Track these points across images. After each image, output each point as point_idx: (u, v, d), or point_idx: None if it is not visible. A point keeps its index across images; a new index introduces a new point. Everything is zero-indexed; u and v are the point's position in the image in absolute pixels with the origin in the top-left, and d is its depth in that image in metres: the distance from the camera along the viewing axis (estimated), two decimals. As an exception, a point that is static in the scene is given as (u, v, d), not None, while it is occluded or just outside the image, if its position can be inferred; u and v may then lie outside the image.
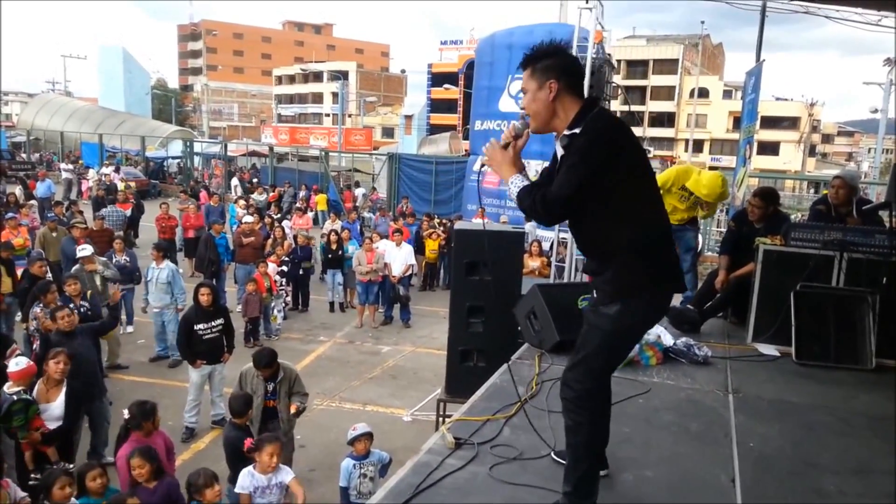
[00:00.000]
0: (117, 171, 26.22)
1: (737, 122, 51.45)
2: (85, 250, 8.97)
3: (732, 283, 5.86)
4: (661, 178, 6.53)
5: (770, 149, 53.13)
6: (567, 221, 2.75)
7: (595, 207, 2.61)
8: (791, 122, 57.03)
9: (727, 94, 59.39)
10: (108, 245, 10.72)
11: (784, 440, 3.72)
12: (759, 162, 45.19)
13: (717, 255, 6.91)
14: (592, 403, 2.75)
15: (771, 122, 51.22)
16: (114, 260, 9.98)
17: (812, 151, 61.80)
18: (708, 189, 6.19)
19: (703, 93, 57.92)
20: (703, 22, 66.97)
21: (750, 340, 5.39)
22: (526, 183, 2.67)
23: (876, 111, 30.80)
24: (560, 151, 2.70)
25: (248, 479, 4.68)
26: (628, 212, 2.63)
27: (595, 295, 2.83)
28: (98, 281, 8.83)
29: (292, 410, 5.88)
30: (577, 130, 2.60)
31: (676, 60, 59.78)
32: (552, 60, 2.67)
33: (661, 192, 6.34)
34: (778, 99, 58.54)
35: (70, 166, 28.23)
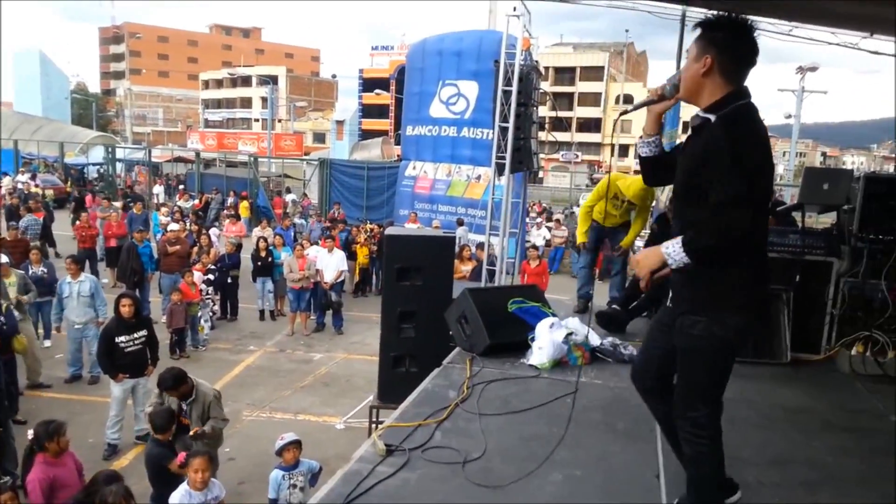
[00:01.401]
0: (34, 178, 25.13)
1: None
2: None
3: (656, 283, 6.01)
4: (597, 188, 6.72)
5: (692, 153, 54.95)
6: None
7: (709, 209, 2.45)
8: (711, 128, 59.08)
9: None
10: (24, 256, 10.23)
11: (706, 435, 3.83)
12: (683, 166, 46.53)
13: (642, 257, 7.08)
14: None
15: (693, 128, 52.96)
16: (30, 271, 9.52)
17: (732, 156, 64.17)
18: (632, 191, 6.35)
19: (629, 99, 59.49)
20: (627, 30, 69.17)
21: (674, 339, 5.54)
22: (648, 151, 2.65)
23: (790, 117, 32.23)
24: (690, 131, 2.60)
25: (185, 498, 4.51)
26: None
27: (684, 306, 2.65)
28: (13, 294, 8.40)
29: (192, 431, 5.57)
30: (711, 117, 2.48)
31: (602, 68, 61.32)
32: (721, 34, 2.47)
33: (598, 200, 6.51)
34: (699, 105, 60.62)
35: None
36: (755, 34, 2.49)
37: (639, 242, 7.40)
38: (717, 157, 2.39)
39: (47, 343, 9.96)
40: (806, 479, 3.35)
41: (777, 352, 5.19)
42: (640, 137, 2.69)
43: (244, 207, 21.36)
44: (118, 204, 18.13)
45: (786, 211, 6.21)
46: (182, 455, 4.87)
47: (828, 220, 6.70)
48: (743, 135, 2.41)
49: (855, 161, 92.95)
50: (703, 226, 2.43)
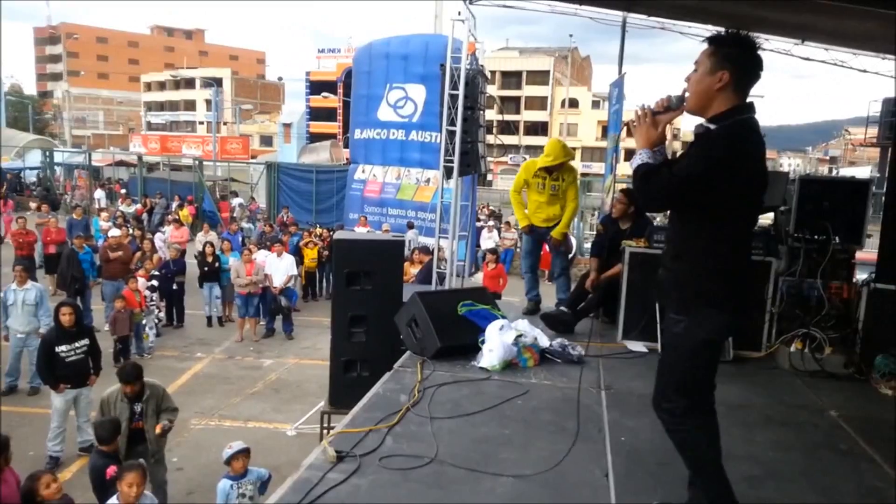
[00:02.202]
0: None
1: (605, 131, 54.03)
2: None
3: (603, 284, 6.12)
4: (517, 179, 6.71)
5: (637, 155, 56.04)
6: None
7: (702, 212, 2.61)
8: (655, 131, 60.35)
9: (595, 105, 62.15)
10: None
11: (653, 432, 3.89)
12: (626, 168, 47.44)
13: (588, 258, 7.17)
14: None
15: (637, 131, 53.99)
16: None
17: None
18: (547, 151, 6.38)
19: (574, 103, 60.44)
20: (571, 35, 70.03)
21: (620, 338, 5.65)
22: (654, 161, 2.65)
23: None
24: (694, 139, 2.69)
25: None
26: (728, 224, 2.62)
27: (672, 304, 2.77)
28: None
29: (157, 430, 5.57)
30: (712, 126, 2.60)
31: (548, 72, 62.06)
32: (736, 51, 2.59)
33: (523, 190, 6.54)
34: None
35: None
36: (760, 49, 2.66)
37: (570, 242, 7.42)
38: (700, 150, 2.59)
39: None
40: (749, 474, 3.44)
41: (719, 349, 5.33)
42: (642, 149, 2.73)
43: (185, 213, 20.85)
44: (34, 205, 17.54)
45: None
46: (112, 468, 4.75)
47: (765, 220, 6.92)
48: (738, 148, 2.55)
49: (791, 163, 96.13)
50: (658, 179, 2.60)
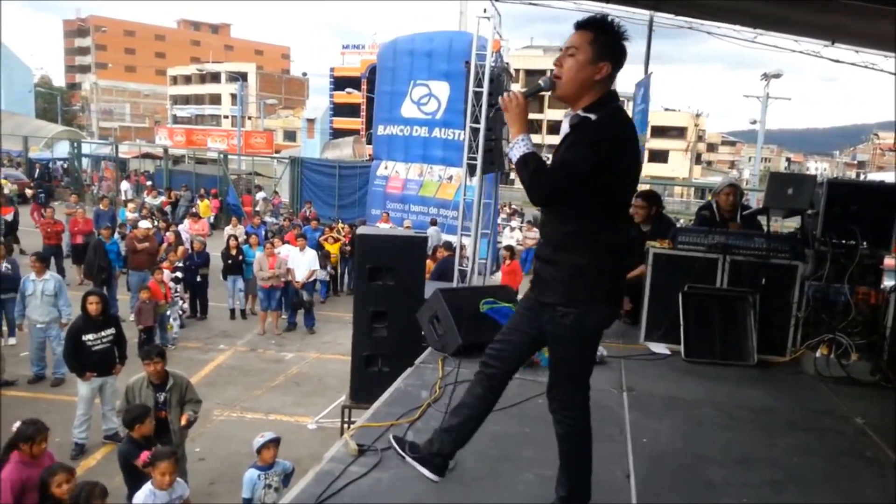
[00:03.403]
0: (-4, 172, 24.58)
1: (630, 131, 53.69)
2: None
3: (629, 283, 6.09)
4: None
5: (660, 157, 55.73)
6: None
7: (588, 203, 2.56)
8: (679, 132, 59.95)
9: (620, 104, 61.76)
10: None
11: (675, 435, 3.91)
12: (650, 169, 47.36)
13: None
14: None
15: (660, 132, 53.76)
16: (-6, 268, 9.33)
17: (698, 160, 65.22)
18: None
19: (599, 102, 59.99)
20: (597, 34, 69.24)
21: (642, 340, 5.63)
22: (532, 149, 2.54)
23: (755, 122, 32.80)
24: (565, 129, 2.63)
25: (149, 498, 4.45)
26: (611, 215, 2.63)
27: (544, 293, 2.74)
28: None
29: (182, 422, 5.65)
30: (591, 116, 2.55)
31: (573, 70, 61.69)
32: (617, 43, 2.56)
33: None
34: (667, 109, 61.46)
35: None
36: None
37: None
38: (583, 139, 2.52)
39: (12, 341, 9.77)
40: (772, 479, 3.43)
41: (744, 354, 5.30)
42: (520, 136, 2.60)
43: (205, 206, 21.04)
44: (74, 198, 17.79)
45: (751, 215, 6.32)
46: (145, 454, 4.81)
47: (792, 223, 6.85)
48: (615, 135, 2.55)
49: (818, 167, 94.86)
50: (553, 171, 2.53)
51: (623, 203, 2.75)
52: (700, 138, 63.67)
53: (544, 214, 2.81)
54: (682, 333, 5.34)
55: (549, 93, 2.66)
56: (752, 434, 4.04)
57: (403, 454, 2.99)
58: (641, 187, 9.09)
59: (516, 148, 2.54)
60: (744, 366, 5.24)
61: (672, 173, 55.57)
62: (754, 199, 18.57)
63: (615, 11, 9.42)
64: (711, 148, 75.45)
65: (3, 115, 37.61)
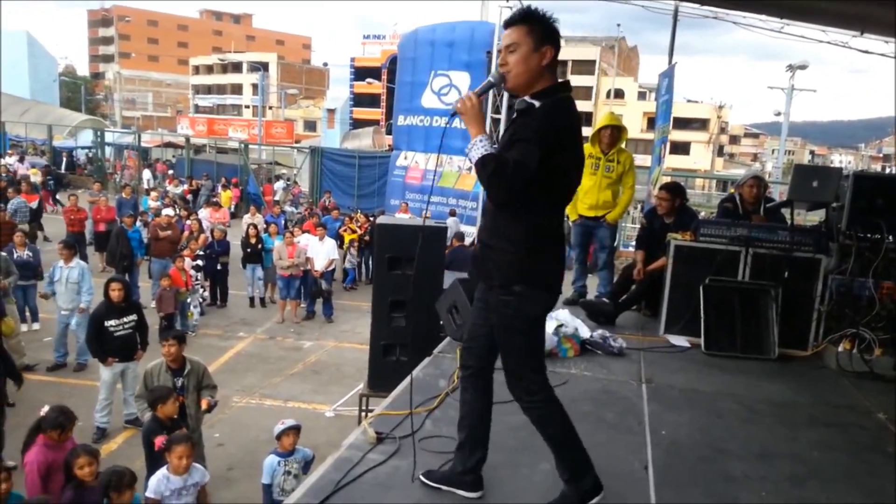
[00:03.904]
0: (22, 160, 24.90)
1: (651, 123, 53.12)
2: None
3: (646, 276, 6.06)
4: None
5: (682, 148, 55.18)
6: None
7: (529, 190, 2.57)
8: (701, 124, 59.33)
9: (642, 96, 61.24)
10: (11, 239, 10.14)
11: (694, 427, 3.88)
12: (672, 161, 46.90)
13: (632, 251, 7.09)
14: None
15: (682, 123, 53.21)
16: (15, 255, 9.45)
17: (720, 152, 64.57)
18: (600, 124, 6.33)
19: (619, 93, 59.59)
20: (618, 24, 69.10)
21: (662, 332, 5.59)
22: (491, 150, 2.55)
23: (779, 114, 32.38)
24: (513, 114, 2.68)
25: (162, 483, 4.50)
26: (551, 201, 2.65)
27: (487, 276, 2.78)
28: (-3, 275, 8.36)
29: (203, 406, 5.70)
30: (536, 103, 2.60)
31: (594, 61, 61.25)
32: (552, 28, 2.63)
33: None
34: (689, 101, 60.87)
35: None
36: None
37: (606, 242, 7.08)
38: (528, 131, 2.54)
39: (36, 326, 9.91)
40: (792, 473, 3.40)
41: (765, 347, 5.25)
42: (479, 136, 2.61)
43: (226, 196, 21.16)
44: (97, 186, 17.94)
45: (775, 208, 6.25)
46: (161, 438, 4.85)
47: (816, 217, 6.76)
48: (559, 125, 2.58)
49: (843, 160, 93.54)
50: (509, 170, 2.50)
51: (565, 190, 2.72)
52: (723, 130, 62.98)
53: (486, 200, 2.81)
54: (703, 326, 5.30)
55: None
56: (773, 428, 4.01)
57: (439, 486, 2.99)
58: (664, 180, 9.01)
59: (475, 149, 2.56)
60: (765, 359, 5.19)
61: (694, 165, 55.04)
62: (777, 192, 18.35)
63: (639, 1, 9.34)
64: (734, 140, 74.64)
65: (28, 104, 38.13)
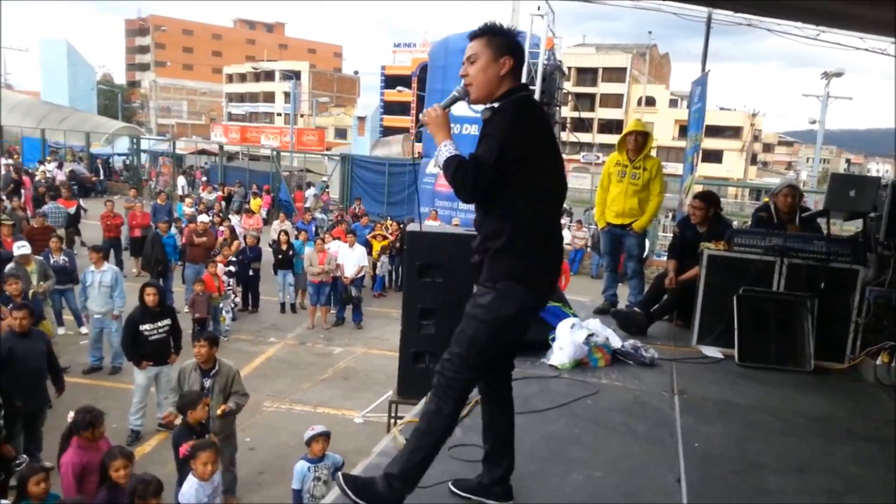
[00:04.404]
0: (60, 167, 25.46)
1: (682, 131, 52.64)
2: (23, 248, 8.70)
3: (678, 286, 6.00)
4: (601, 175, 6.62)
5: (713, 157, 54.60)
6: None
7: (504, 187, 2.58)
8: (734, 132, 58.67)
9: (673, 103, 60.73)
10: (48, 243, 10.36)
11: (728, 440, 3.83)
12: (703, 169, 46.36)
13: (663, 260, 7.02)
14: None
15: (714, 131, 52.63)
16: (51, 260, 9.66)
17: (754, 160, 63.73)
18: (626, 130, 6.31)
19: (650, 101, 59.19)
20: (650, 32, 68.65)
21: (695, 343, 5.53)
22: (455, 153, 2.61)
23: (814, 122, 31.88)
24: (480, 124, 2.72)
25: (195, 494, 4.53)
26: (530, 197, 2.61)
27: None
28: (35, 280, 8.54)
29: (219, 411, 5.73)
30: (495, 105, 2.65)
31: (625, 69, 60.95)
32: (509, 39, 2.69)
33: (609, 184, 6.41)
34: (722, 108, 60.18)
35: (11, 162, 27.30)
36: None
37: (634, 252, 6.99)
38: (490, 128, 2.59)
39: (84, 330, 10.01)
40: (830, 488, 3.33)
41: (800, 359, 5.16)
42: (445, 141, 2.68)
43: (256, 203, 21.39)
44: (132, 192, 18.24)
45: (811, 217, 6.15)
46: (185, 446, 4.91)
47: (853, 227, 6.64)
48: (520, 116, 2.60)
49: (880, 169, 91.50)
50: (479, 162, 2.53)
51: (548, 187, 2.70)
52: (756, 138, 62.19)
53: (476, 209, 2.80)
54: (737, 337, 5.22)
55: (464, 101, 2.78)
56: (809, 442, 3.94)
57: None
58: (697, 188, 8.92)
59: (441, 153, 2.61)
60: (800, 372, 5.10)
61: (726, 174, 54.42)
62: (812, 201, 18.05)
63: (672, 8, 9.29)
64: (767, 148, 73.65)
65: (67, 112, 39.01)
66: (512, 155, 2.52)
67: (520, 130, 2.57)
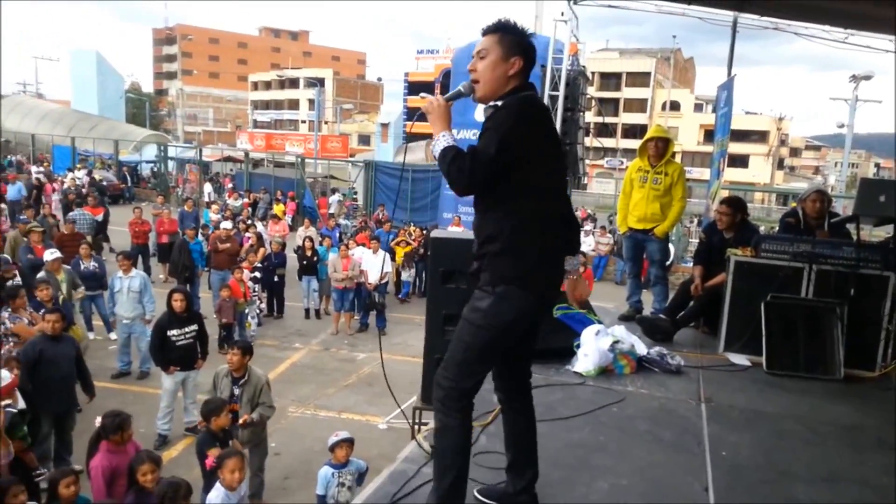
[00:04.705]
0: (89, 174, 25.88)
1: (707, 135, 52.22)
2: (54, 254, 8.86)
3: (705, 293, 5.94)
4: (624, 182, 6.60)
5: (739, 161, 54.05)
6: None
7: (503, 188, 2.54)
8: (760, 136, 58.02)
9: (698, 108, 60.27)
10: (78, 250, 10.53)
11: (755, 449, 3.78)
12: (730, 174, 45.89)
13: (688, 266, 6.95)
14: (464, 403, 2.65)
15: (740, 136, 52.07)
16: (81, 267, 9.83)
17: (780, 165, 62.94)
18: (647, 136, 6.31)
19: (675, 106, 58.78)
20: (674, 36, 68.19)
21: (722, 350, 5.47)
22: (452, 143, 2.54)
23: (842, 126, 31.44)
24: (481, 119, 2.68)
25: (224, 499, 4.58)
26: (523, 200, 2.56)
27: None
28: (64, 289, 8.69)
29: (241, 420, 5.77)
30: (499, 103, 2.61)
31: (649, 74, 60.61)
32: (523, 38, 2.65)
33: (631, 190, 6.39)
34: (748, 113, 59.55)
35: (41, 169, 27.80)
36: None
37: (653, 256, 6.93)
38: (491, 122, 2.55)
39: (113, 335, 10.13)
40: (860, 499, 3.28)
41: (830, 367, 5.08)
42: (442, 132, 2.61)
43: (279, 209, 21.53)
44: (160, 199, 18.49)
45: (840, 223, 6.05)
46: (211, 458, 4.95)
47: (882, 232, 6.54)
48: (521, 114, 2.54)
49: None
50: (466, 159, 2.47)
51: (548, 187, 2.64)
52: (783, 142, 61.44)
53: (475, 211, 2.75)
54: (765, 344, 5.16)
55: (469, 96, 2.73)
56: (840, 451, 3.87)
57: None
58: (723, 194, 8.83)
59: (438, 144, 2.56)
60: (829, 380, 5.02)
61: (752, 178, 53.83)
62: (840, 206, 17.78)
63: (697, 12, 9.23)
64: (794, 152, 72.70)
65: (96, 120, 39.66)
66: (512, 151, 2.48)
67: (522, 128, 2.52)
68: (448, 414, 2.64)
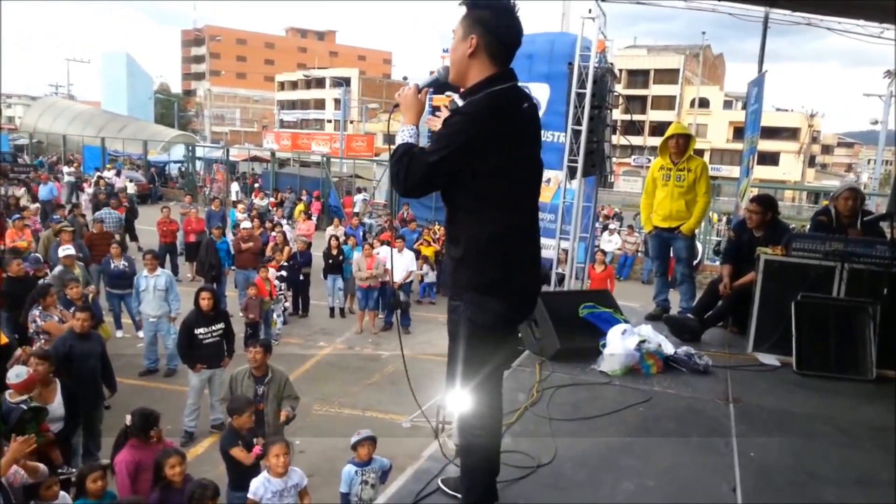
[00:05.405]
0: (118, 174, 26.25)
1: (737, 133, 51.57)
2: (66, 250, 8.98)
3: (733, 292, 5.85)
4: (646, 181, 6.54)
5: (770, 159, 53.26)
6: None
7: (462, 195, 2.46)
8: (791, 133, 57.17)
9: (728, 105, 59.53)
10: (108, 249, 10.69)
11: (784, 450, 3.71)
12: (759, 172, 45.26)
13: (716, 265, 6.86)
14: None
15: (771, 133, 51.36)
16: (112, 266, 9.96)
17: (812, 162, 61.95)
18: (667, 134, 6.25)
19: (704, 103, 58.09)
20: (704, 32, 67.15)
21: (750, 350, 5.38)
22: (411, 140, 2.44)
23: (876, 123, 30.85)
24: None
25: (263, 485, 4.60)
26: (491, 205, 2.45)
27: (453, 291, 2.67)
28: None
29: (282, 418, 5.83)
30: (460, 103, 2.50)
31: (677, 70, 59.99)
32: (487, 13, 2.42)
33: (654, 189, 6.33)
34: (778, 110, 58.70)
35: (72, 170, 28.28)
36: (518, 14, 2.47)
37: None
38: (445, 127, 2.44)
39: (141, 333, 10.27)
40: (892, 503, 3.20)
41: (861, 367, 4.98)
42: (408, 125, 2.54)
43: (299, 209, 21.65)
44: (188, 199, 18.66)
45: (873, 221, 5.93)
46: (258, 448, 5.00)
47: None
48: (483, 117, 2.39)
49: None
50: (414, 158, 2.39)
51: (516, 193, 2.50)
52: (814, 139, 60.47)
53: (444, 208, 2.69)
54: (795, 344, 5.06)
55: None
56: (871, 453, 3.79)
57: (455, 494, 2.92)
58: (752, 191, 8.70)
59: (399, 136, 2.49)
60: (861, 380, 4.91)
61: (783, 176, 53.09)
62: (874, 204, 17.44)
63: (727, 8, 9.10)
64: (826, 150, 71.53)
65: (125, 120, 40.25)
66: (457, 164, 2.37)
67: (477, 136, 2.36)
68: (470, 432, 2.63)
